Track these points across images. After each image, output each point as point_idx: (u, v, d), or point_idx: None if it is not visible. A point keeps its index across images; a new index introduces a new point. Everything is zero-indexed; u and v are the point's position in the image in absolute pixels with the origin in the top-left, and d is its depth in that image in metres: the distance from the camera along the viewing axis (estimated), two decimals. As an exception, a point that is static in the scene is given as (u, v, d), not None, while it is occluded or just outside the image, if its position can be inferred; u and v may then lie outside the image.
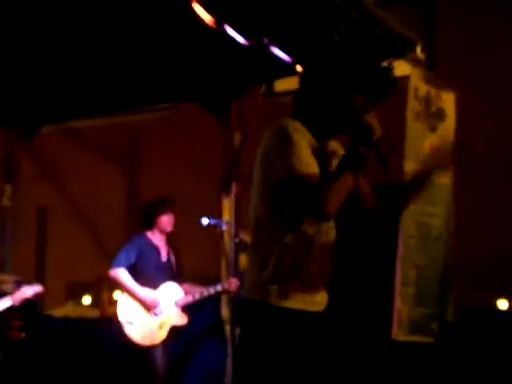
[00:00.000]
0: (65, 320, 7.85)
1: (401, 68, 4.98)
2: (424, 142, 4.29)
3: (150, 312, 5.84)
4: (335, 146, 3.06)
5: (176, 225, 6.07)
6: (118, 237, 8.71)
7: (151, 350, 5.77)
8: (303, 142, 2.85)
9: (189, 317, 6.03)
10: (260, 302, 2.88)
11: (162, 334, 5.84)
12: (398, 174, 3.64)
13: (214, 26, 4.89)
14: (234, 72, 6.10)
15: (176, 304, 5.95)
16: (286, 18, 4.89)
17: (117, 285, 6.04)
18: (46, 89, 6.46)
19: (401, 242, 4.20)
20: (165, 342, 5.84)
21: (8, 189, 7.89)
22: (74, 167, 10.14)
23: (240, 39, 5.08)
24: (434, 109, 4.37)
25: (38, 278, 6.26)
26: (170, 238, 6.11)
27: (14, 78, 6.17)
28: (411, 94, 4.24)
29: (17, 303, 5.83)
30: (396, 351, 4.96)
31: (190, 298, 6.00)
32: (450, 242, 4.46)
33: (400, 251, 4.20)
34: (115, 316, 5.84)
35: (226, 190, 6.51)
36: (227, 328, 6.48)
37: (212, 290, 6.02)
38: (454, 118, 4.49)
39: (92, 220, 9.97)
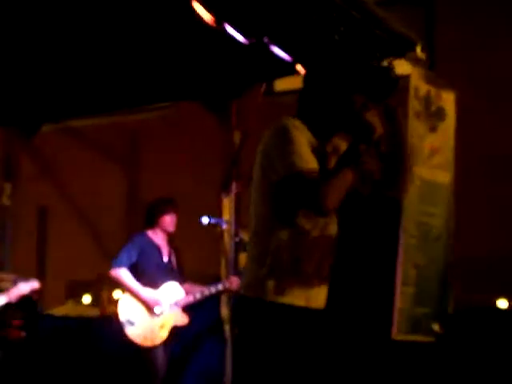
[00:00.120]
0: (65, 319, 7.85)
1: (401, 68, 4.98)
2: (424, 141, 4.29)
3: (151, 312, 5.84)
4: (339, 142, 3.06)
5: (176, 224, 6.07)
6: (117, 236, 8.71)
7: (152, 350, 5.76)
8: (303, 139, 2.86)
9: (189, 316, 6.02)
10: (257, 299, 2.88)
11: (163, 335, 5.83)
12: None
13: (214, 25, 4.88)
14: (234, 71, 6.10)
15: (177, 304, 5.94)
16: (287, 17, 4.89)
17: (118, 284, 6.04)
18: (46, 88, 6.46)
19: (401, 242, 4.20)
20: (166, 342, 5.84)
21: (8, 188, 7.88)
22: (74, 166, 10.14)
23: (240, 38, 5.07)
24: (434, 108, 4.38)
25: (38, 278, 6.24)
26: (171, 238, 6.11)
27: (14, 77, 6.17)
28: (412, 93, 4.24)
29: (13, 300, 5.79)
30: (396, 350, 4.96)
31: (190, 298, 5.99)
32: (450, 242, 4.46)
33: (401, 251, 4.20)
34: (116, 316, 5.83)
35: (226, 189, 6.50)
36: (227, 327, 6.48)
37: (213, 290, 6.01)
38: (454, 117, 4.49)
39: (92, 219, 9.96)
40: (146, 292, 5.82)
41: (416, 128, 4.26)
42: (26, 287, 5.84)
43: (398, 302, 4.17)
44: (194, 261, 6.69)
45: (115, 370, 6.73)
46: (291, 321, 2.88)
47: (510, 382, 5.42)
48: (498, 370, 5.52)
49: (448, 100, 4.47)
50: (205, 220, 6.24)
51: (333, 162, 2.95)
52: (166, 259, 6.02)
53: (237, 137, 6.64)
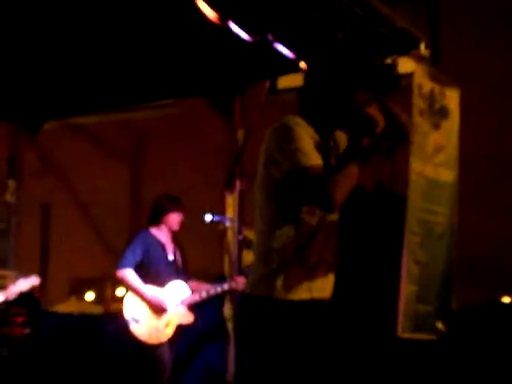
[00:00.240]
0: (68, 316, 7.85)
1: (405, 65, 4.97)
2: (428, 138, 4.28)
3: (156, 312, 5.82)
4: (342, 138, 3.06)
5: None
6: (121, 233, 8.73)
7: (157, 348, 5.75)
8: (306, 135, 2.86)
9: (194, 315, 6.01)
10: (265, 298, 2.88)
11: (169, 333, 5.81)
12: (403, 165, 3.64)
13: (218, 23, 4.89)
14: (237, 69, 6.10)
15: (183, 302, 5.92)
16: (290, 14, 4.89)
17: (124, 285, 6.01)
18: (50, 84, 6.46)
19: (405, 240, 4.20)
20: (171, 340, 5.83)
21: (12, 184, 7.89)
22: (78, 163, 10.16)
23: (244, 35, 5.07)
24: (437, 106, 4.36)
25: (41, 274, 6.24)
26: (175, 235, 6.10)
27: (18, 73, 6.17)
28: (415, 91, 4.22)
29: (10, 298, 5.75)
30: (400, 348, 4.96)
31: (196, 297, 5.96)
32: (454, 240, 4.45)
33: (404, 248, 4.20)
34: (121, 313, 5.81)
35: (229, 186, 6.49)
36: (229, 326, 6.47)
37: (219, 289, 5.98)
38: (457, 115, 4.47)
39: (95, 216, 9.98)
40: (152, 293, 5.79)
41: (420, 125, 4.25)
42: (25, 284, 5.76)
43: (402, 300, 4.17)
44: (197, 258, 6.69)
45: (119, 367, 6.73)
46: (299, 318, 2.88)
47: (509, 382, 5.42)
48: (501, 367, 5.51)
49: (452, 98, 4.45)
50: (208, 217, 6.23)
51: (336, 157, 2.96)
52: (171, 257, 6.00)
53: (240, 135, 6.63)
